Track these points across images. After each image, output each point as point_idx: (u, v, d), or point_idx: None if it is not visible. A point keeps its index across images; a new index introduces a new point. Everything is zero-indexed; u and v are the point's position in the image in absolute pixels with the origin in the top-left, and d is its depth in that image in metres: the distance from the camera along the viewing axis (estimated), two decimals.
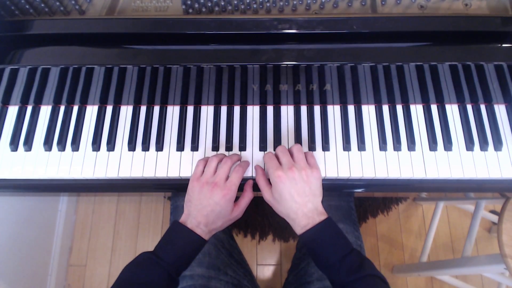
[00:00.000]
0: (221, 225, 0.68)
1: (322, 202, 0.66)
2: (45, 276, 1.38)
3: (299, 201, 0.62)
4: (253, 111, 0.80)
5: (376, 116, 0.79)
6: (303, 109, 0.80)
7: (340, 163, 0.75)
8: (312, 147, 0.76)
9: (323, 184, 0.68)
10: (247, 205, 0.71)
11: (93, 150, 0.77)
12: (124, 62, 0.68)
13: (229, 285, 0.81)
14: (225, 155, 0.73)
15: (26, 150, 0.77)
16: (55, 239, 1.44)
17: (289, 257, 1.48)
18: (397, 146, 0.75)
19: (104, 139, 0.78)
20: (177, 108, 0.80)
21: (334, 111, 0.79)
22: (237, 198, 0.70)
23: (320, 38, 0.68)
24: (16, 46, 0.69)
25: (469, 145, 0.75)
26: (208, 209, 0.65)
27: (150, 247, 0.64)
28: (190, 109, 0.80)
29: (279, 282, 1.46)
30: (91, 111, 0.80)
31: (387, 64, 0.67)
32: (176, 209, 0.91)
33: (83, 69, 0.69)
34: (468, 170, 0.74)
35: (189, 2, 0.69)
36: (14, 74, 0.70)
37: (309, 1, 0.70)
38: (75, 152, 0.77)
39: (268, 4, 0.69)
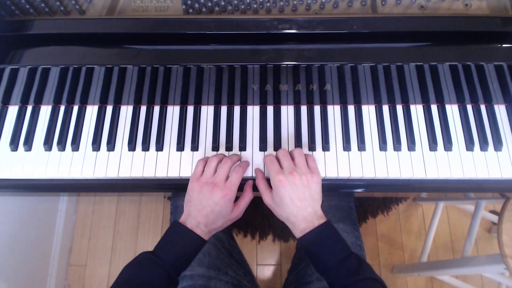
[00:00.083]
0: (221, 225, 0.68)
1: (322, 202, 0.67)
2: (45, 276, 1.38)
3: (299, 205, 0.63)
4: (253, 111, 0.80)
5: (376, 116, 0.79)
6: (303, 109, 0.80)
7: (340, 163, 0.75)
8: (312, 147, 0.76)
9: (323, 184, 0.68)
10: (247, 205, 0.71)
11: (93, 150, 0.77)
12: (124, 62, 0.68)
13: (229, 285, 0.81)
14: (225, 155, 0.73)
15: (26, 150, 0.77)
16: (55, 239, 1.44)
17: (289, 257, 1.48)
18: (397, 146, 0.75)
19: (104, 139, 0.78)
20: (177, 108, 0.80)
21: (334, 111, 0.79)
22: (237, 198, 0.70)
23: (320, 38, 0.68)
24: (16, 46, 0.69)
25: (469, 145, 0.75)
26: (208, 209, 0.65)
27: (150, 247, 0.64)
28: (190, 109, 0.80)
29: (279, 282, 1.46)
30: (91, 111, 0.80)
31: (387, 64, 0.67)
32: (176, 209, 0.91)
33: (83, 69, 0.69)
34: (468, 170, 0.74)
35: (189, 2, 0.69)
36: (14, 74, 0.70)
37: (309, 1, 0.70)
38: (75, 152, 0.77)
39: (268, 4, 0.69)
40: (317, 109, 0.79)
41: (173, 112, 0.80)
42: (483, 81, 0.72)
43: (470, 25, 0.67)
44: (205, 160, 0.71)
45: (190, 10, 0.69)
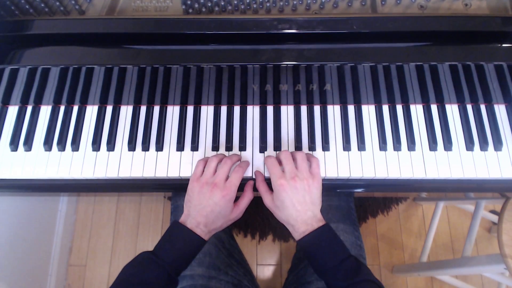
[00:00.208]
0: (221, 226, 0.68)
1: (322, 202, 0.67)
2: (45, 276, 1.38)
3: (299, 209, 0.63)
4: (253, 111, 0.80)
5: (376, 116, 0.79)
6: (303, 109, 0.80)
7: (340, 163, 0.75)
8: (312, 147, 0.76)
9: (323, 184, 0.68)
10: (247, 206, 0.71)
11: (93, 150, 0.77)
12: (124, 62, 0.68)
13: (230, 285, 0.81)
14: (225, 155, 0.73)
15: (26, 150, 0.77)
16: (55, 239, 1.44)
17: (289, 257, 1.48)
18: (397, 146, 0.75)
19: (104, 139, 0.78)
20: (177, 108, 0.80)
21: (334, 111, 0.79)
22: (237, 198, 0.70)
23: (320, 38, 0.68)
24: (16, 46, 0.69)
25: (469, 145, 0.75)
26: (208, 210, 0.65)
27: (150, 247, 0.64)
28: (190, 109, 0.80)
29: (279, 282, 1.46)
30: (91, 111, 0.80)
31: (387, 64, 0.67)
32: (177, 209, 0.91)
33: (83, 69, 0.69)
34: (468, 170, 0.74)
35: (189, 2, 0.69)
36: (14, 74, 0.70)
37: (309, 1, 0.70)
38: (75, 152, 0.77)
39: (268, 4, 0.69)
40: (317, 109, 0.79)
41: (173, 112, 0.80)
42: (483, 81, 0.72)
43: (470, 25, 0.67)
44: (205, 160, 0.71)
45: (190, 10, 0.69)
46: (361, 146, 0.75)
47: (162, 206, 1.61)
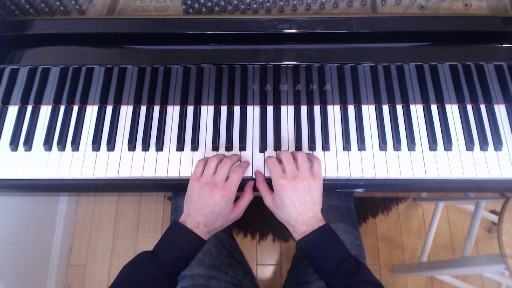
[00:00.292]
0: (221, 226, 0.68)
1: (322, 202, 0.67)
2: (45, 276, 1.38)
3: (300, 209, 0.63)
4: (253, 111, 0.80)
5: (376, 116, 0.79)
6: (303, 109, 0.80)
7: (340, 163, 0.75)
8: (312, 147, 0.76)
9: (323, 184, 0.68)
10: (246, 206, 0.71)
11: (93, 150, 0.77)
12: (124, 62, 0.68)
13: (230, 285, 0.81)
14: (225, 156, 0.73)
15: (26, 150, 0.77)
16: (55, 239, 1.44)
17: (289, 257, 1.48)
18: (397, 146, 0.75)
19: (104, 139, 0.78)
20: (177, 108, 0.80)
21: (334, 111, 0.79)
22: (237, 198, 0.70)
23: (320, 38, 0.68)
24: (16, 46, 0.69)
25: (469, 145, 0.75)
26: (208, 210, 0.65)
27: (150, 247, 0.64)
28: (190, 109, 0.80)
29: (279, 282, 1.46)
30: (91, 111, 0.80)
31: (387, 64, 0.67)
32: (177, 209, 0.91)
33: (83, 69, 0.69)
34: (468, 170, 0.74)
35: (189, 2, 0.69)
36: (14, 74, 0.70)
37: (309, 1, 0.70)
38: (75, 152, 0.77)
39: (268, 4, 0.69)
40: (317, 109, 0.79)
41: (173, 112, 0.80)
42: (483, 81, 0.72)
43: (470, 25, 0.67)
44: (205, 160, 0.71)
45: (190, 10, 0.69)
46: (361, 146, 0.75)
47: (162, 206, 1.61)
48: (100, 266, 1.51)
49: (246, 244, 1.52)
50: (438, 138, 0.76)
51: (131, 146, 0.77)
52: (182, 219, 0.67)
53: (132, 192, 1.46)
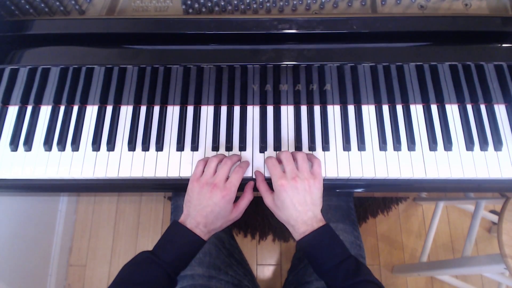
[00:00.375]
0: (221, 226, 0.68)
1: (322, 202, 0.67)
2: (45, 276, 1.39)
3: (300, 210, 0.64)
4: (253, 111, 0.80)
5: (376, 116, 0.79)
6: (303, 109, 0.80)
7: (340, 163, 0.75)
8: (312, 147, 0.76)
9: (323, 184, 0.68)
10: (246, 206, 0.71)
11: (93, 150, 0.77)
12: (124, 62, 0.68)
13: (230, 285, 0.81)
14: (225, 156, 0.73)
15: (26, 150, 0.77)
16: (55, 239, 1.44)
17: (289, 257, 1.48)
18: (397, 146, 0.75)
19: (104, 139, 0.78)
20: (177, 108, 0.80)
21: (334, 111, 0.79)
22: (237, 198, 0.70)
23: (320, 38, 0.68)
24: (16, 46, 0.69)
25: (469, 145, 0.75)
26: (208, 210, 0.65)
27: (150, 247, 0.64)
28: (190, 109, 0.80)
29: (279, 282, 1.46)
30: (91, 111, 0.80)
31: (387, 64, 0.67)
32: (177, 209, 0.91)
33: (83, 69, 0.69)
34: (468, 170, 0.74)
35: (189, 2, 0.69)
36: (14, 74, 0.70)
37: (309, 1, 0.70)
38: (75, 152, 0.77)
39: (268, 4, 0.69)
40: (317, 109, 0.79)
41: (173, 112, 0.80)
42: (483, 81, 0.72)
43: (470, 25, 0.67)
44: (205, 161, 0.71)
45: (190, 10, 0.69)
46: (361, 146, 0.75)
47: (162, 206, 1.61)
48: (100, 266, 1.51)
49: (246, 244, 1.52)
50: (438, 138, 0.76)
51: (131, 146, 0.77)
52: (182, 219, 0.67)
53: (132, 192, 1.45)
